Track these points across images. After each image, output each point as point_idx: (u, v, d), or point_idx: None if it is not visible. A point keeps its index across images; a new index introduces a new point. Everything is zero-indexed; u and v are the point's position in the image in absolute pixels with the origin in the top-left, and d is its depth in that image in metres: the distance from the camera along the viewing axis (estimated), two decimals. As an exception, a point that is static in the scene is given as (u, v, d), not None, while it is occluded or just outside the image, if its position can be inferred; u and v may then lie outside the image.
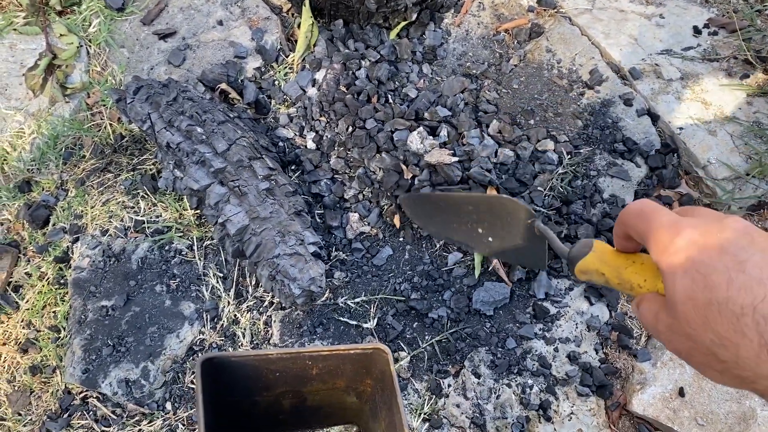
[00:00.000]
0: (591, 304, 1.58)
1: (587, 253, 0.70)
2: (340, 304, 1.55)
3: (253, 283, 1.57)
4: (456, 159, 1.61)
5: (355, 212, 1.68)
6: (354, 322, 1.53)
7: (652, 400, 1.47)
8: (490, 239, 1.01)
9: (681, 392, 1.47)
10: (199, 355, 1.48)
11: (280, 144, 1.78)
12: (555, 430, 1.44)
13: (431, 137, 1.66)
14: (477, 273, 1.59)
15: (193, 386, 1.44)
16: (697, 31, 2.05)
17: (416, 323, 1.54)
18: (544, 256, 0.89)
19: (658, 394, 1.48)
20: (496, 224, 0.98)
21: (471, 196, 1.00)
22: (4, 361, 1.49)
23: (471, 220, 1.04)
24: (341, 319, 1.53)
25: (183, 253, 1.60)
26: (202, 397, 0.98)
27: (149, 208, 1.67)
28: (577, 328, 1.55)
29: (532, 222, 0.84)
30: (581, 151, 1.77)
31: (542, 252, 0.88)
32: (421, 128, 1.66)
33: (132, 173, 1.73)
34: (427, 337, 1.52)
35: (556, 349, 1.52)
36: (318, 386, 1.22)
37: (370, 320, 1.53)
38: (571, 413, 1.46)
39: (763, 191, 1.71)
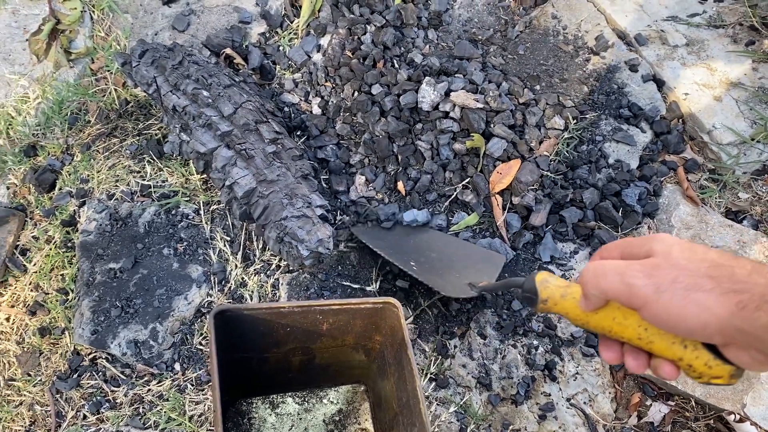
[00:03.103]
0: (596, 266, 1.59)
1: (536, 301, 0.75)
2: (347, 264, 1.56)
3: (260, 246, 1.58)
4: (480, 106, 1.62)
5: (362, 175, 1.69)
6: (358, 286, 1.54)
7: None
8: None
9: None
10: (207, 316, 1.49)
11: (286, 109, 1.78)
12: (560, 389, 1.46)
13: (443, 82, 1.66)
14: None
15: (201, 347, 1.46)
16: (703, -3, 2.05)
17: (422, 286, 1.55)
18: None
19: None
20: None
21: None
22: (12, 323, 1.50)
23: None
24: (345, 283, 1.54)
25: (190, 217, 1.60)
26: (216, 350, 1.00)
27: (155, 173, 1.67)
28: (582, 290, 1.56)
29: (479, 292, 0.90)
30: (587, 116, 1.77)
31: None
32: (429, 77, 1.66)
33: (137, 138, 1.73)
34: (432, 298, 1.53)
35: (561, 311, 1.53)
36: (327, 342, 1.23)
37: (373, 283, 1.54)
38: (576, 373, 1.47)
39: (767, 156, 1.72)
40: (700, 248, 0.62)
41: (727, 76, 1.85)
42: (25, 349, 1.47)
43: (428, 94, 1.65)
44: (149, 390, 1.41)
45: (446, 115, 1.67)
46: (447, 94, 1.67)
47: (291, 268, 1.55)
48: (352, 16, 1.90)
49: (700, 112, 1.78)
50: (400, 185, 1.68)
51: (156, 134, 1.73)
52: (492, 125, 1.66)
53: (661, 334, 0.65)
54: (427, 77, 1.68)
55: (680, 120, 1.81)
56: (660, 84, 1.85)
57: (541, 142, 1.70)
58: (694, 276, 0.59)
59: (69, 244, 1.58)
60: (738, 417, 1.41)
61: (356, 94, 1.74)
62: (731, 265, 0.59)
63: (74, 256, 1.55)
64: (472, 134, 1.64)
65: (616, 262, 0.65)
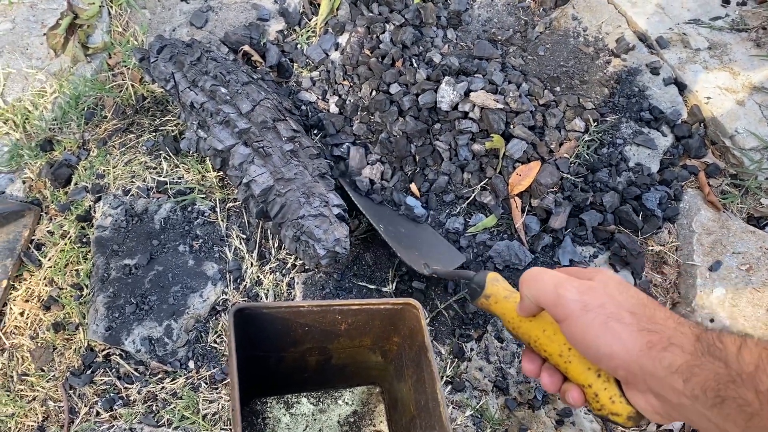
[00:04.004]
0: (616, 271, 1.57)
1: (480, 294, 0.78)
2: (363, 264, 1.55)
3: (276, 245, 1.57)
4: (500, 106, 1.61)
5: (380, 165, 1.68)
6: (373, 286, 1.53)
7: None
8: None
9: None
10: (222, 315, 1.48)
11: (303, 107, 1.77)
12: (578, 395, 1.43)
13: (463, 82, 1.65)
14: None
15: (215, 345, 1.44)
16: (725, 1, 2.02)
17: (438, 288, 1.54)
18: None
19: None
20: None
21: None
22: (27, 318, 1.49)
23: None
24: (360, 284, 1.53)
25: (206, 214, 1.59)
26: (235, 347, 0.98)
27: (171, 170, 1.66)
28: (601, 295, 1.54)
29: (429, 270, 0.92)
30: (607, 118, 1.75)
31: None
32: (448, 77, 1.64)
33: (154, 134, 1.72)
34: (448, 300, 1.52)
35: (580, 316, 1.52)
36: (345, 343, 1.22)
37: (389, 284, 1.53)
38: (595, 379, 1.45)
39: (791, 162, 1.69)
40: (634, 289, 0.66)
41: (750, 80, 1.83)
42: (39, 345, 1.46)
43: (447, 93, 1.63)
44: (163, 387, 1.39)
45: (465, 115, 1.65)
46: (466, 94, 1.65)
47: (307, 267, 1.54)
48: (370, 14, 1.89)
49: (722, 117, 1.76)
50: (414, 187, 1.66)
51: (172, 130, 1.72)
52: (512, 126, 1.64)
53: (579, 358, 0.67)
54: (446, 77, 1.66)
55: (702, 124, 1.78)
56: (681, 87, 1.83)
57: (561, 144, 1.68)
58: (619, 308, 0.62)
59: (84, 240, 1.57)
60: None
61: (374, 93, 1.73)
62: (654, 308, 0.62)
63: (89, 251, 1.55)
64: (491, 135, 1.62)
65: (557, 273, 0.68)
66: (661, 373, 0.57)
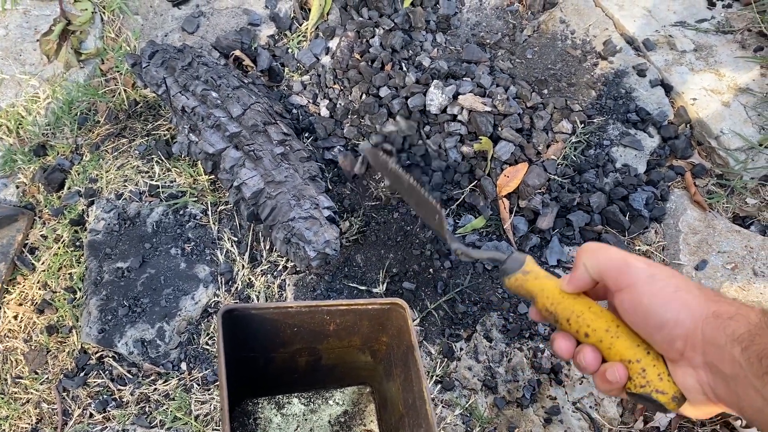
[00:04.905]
0: (603, 270, 1.59)
1: (517, 269, 0.76)
2: (353, 265, 1.56)
3: (267, 247, 1.58)
4: (488, 109, 1.62)
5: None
6: (364, 288, 1.54)
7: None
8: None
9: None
10: (214, 317, 1.49)
11: (294, 111, 1.79)
12: (566, 393, 1.45)
13: (452, 85, 1.67)
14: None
15: (207, 347, 1.46)
16: (711, 3, 2.05)
17: (428, 288, 1.55)
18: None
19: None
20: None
21: (415, 192, 1.09)
22: (20, 321, 1.51)
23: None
24: (351, 285, 1.54)
25: (197, 217, 1.61)
26: (224, 348, 1.00)
27: (164, 173, 1.68)
28: (588, 294, 1.56)
29: (454, 249, 0.90)
30: (594, 120, 1.77)
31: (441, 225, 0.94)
32: (437, 80, 1.66)
33: (146, 139, 1.73)
34: (438, 300, 1.53)
35: (567, 315, 1.53)
36: (334, 343, 1.23)
37: (379, 285, 1.55)
38: (582, 377, 1.47)
39: (776, 162, 1.72)
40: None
41: (735, 81, 1.85)
42: (33, 347, 1.47)
43: (437, 96, 1.65)
44: (155, 389, 1.41)
45: (454, 118, 1.67)
46: (455, 97, 1.67)
47: (298, 269, 1.56)
48: (360, 19, 1.91)
49: (708, 118, 1.78)
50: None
51: (165, 135, 1.74)
52: (500, 128, 1.66)
53: (628, 333, 0.67)
54: (435, 80, 1.68)
55: (688, 125, 1.81)
56: (668, 89, 1.85)
57: (548, 146, 1.70)
58: (687, 282, 0.64)
59: (77, 243, 1.58)
60: (745, 422, 1.40)
61: (364, 96, 1.75)
62: (718, 291, 0.64)
63: (82, 255, 1.56)
64: (479, 137, 1.64)
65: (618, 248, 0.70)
66: (723, 340, 0.58)
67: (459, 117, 1.66)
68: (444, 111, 1.67)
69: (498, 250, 1.57)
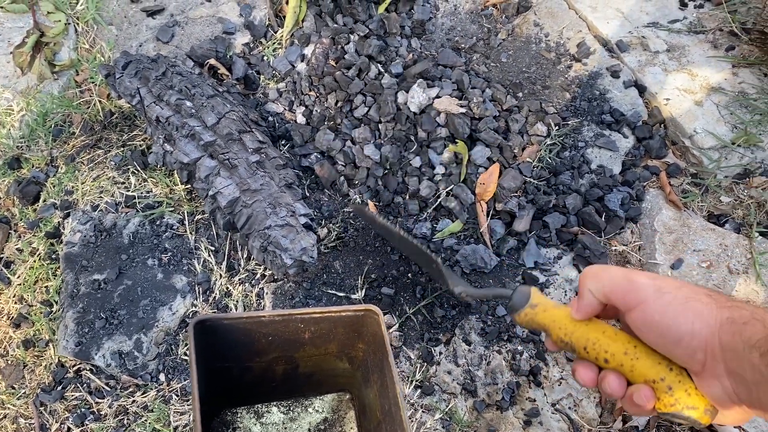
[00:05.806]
0: (579, 271, 1.60)
1: (525, 304, 0.75)
2: (332, 272, 1.56)
3: (245, 256, 1.58)
4: (463, 111, 1.63)
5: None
6: (343, 294, 1.54)
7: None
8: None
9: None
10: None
11: (270, 119, 1.79)
12: (545, 394, 1.46)
13: (434, 88, 1.68)
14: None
15: (186, 357, 1.45)
16: (683, 3, 2.07)
17: (407, 293, 1.56)
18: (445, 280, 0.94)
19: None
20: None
21: (407, 243, 1.12)
22: (-3, 336, 1.49)
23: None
24: (330, 291, 1.54)
25: (174, 227, 1.61)
26: (196, 360, 1.00)
27: (140, 184, 1.67)
28: (566, 295, 1.57)
29: (458, 293, 0.90)
30: (569, 122, 1.78)
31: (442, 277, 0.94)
32: (420, 80, 1.67)
33: (122, 149, 1.73)
34: (417, 305, 1.54)
35: (545, 317, 1.54)
36: (310, 351, 1.23)
37: (358, 291, 1.55)
38: (561, 378, 1.48)
39: (748, 160, 1.73)
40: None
41: (708, 81, 1.87)
42: (9, 362, 1.46)
43: (417, 95, 1.66)
44: (134, 401, 1.40)
45: (435, 120, 1.68)
46: (438, 98, 1.69)
47: (276, 277, 1.56)
48: (335, 25, 1.91)
49: (681, 117, 1.80)
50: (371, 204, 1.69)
51: (140, 145, 1.74)
52: (476, 132, 1.67)
53: (648, 352, 0.65)
54: (419, 80, 1.70)
55: (662, 125, 1.82)
56: (641, 90, 1.87)
57: (524, 149, 1.71)
58: (695, 290, 0.63)
59: (53, 256, 1.57)
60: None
61: (340, 103, 1.75)
62: (727, 294, 0.62)
63: (58, 267, 1.55)
64: (456, 140, 1.65)
65: (619, 267, 0.69)
66: (740, 347, 0.57)
67: (437, 119, 1.66)
68: (423, 112, 1.68)
69: (480, 257, 1.58)
